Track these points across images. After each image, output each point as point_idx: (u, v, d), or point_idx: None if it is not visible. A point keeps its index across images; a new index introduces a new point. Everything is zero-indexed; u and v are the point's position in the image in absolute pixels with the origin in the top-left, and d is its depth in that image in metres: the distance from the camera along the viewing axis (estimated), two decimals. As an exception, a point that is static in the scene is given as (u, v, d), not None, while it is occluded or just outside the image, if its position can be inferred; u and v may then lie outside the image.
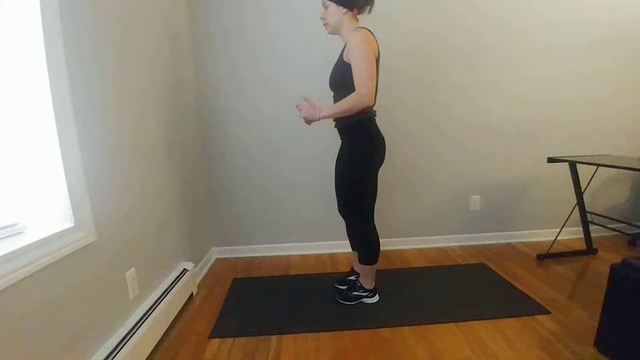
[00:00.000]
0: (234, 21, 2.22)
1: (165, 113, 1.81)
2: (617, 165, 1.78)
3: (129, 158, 1.44)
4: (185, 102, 2.11)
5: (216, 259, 2.51)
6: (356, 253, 1.85)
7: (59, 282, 1.03)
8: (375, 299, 1.84)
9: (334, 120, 1.69)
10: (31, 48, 0.99)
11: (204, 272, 2.27)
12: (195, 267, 2.05)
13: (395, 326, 1.61)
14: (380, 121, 1.67)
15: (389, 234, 2.55)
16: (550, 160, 2.15)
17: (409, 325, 1.61)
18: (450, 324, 1.61)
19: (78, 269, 1.11)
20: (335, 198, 1.85)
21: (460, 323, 1.62)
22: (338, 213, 1.85)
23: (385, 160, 1.69)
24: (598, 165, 1.88)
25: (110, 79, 1.32)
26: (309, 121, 1.61)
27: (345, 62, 1.55)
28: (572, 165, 2.23)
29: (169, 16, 1.89)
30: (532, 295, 1.83)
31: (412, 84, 2.36)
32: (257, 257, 2.52)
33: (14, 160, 1.04)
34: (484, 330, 1.56)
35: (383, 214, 2.51)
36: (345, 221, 1.84)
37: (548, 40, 2.36)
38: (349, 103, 1.50)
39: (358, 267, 1.86)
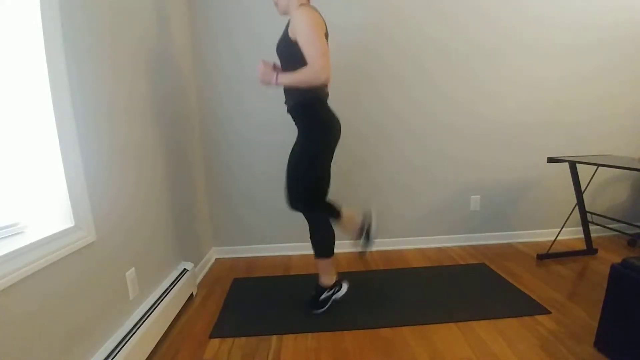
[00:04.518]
0: (235, 9, 2.21)
1: (164, 109, 1.81)
2: (617, 165, 1.78)
3: (128, 157, 1.44)
4: (184, 99, 2.10)
5: (216, 259, 2.51)
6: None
7: (59, 282, 1.03)
8: (344, 289, 1.79)
9: (285, 103, 1.65)
10: (31, 48, 0.99)
11: (204, 272, 2.27)
12: (195, 267, 2.05)
13: (395, 326, 1.61)
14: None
15: (388, 234, 2.54)
16: (550, 160, 2.15)
17: (409, 325, 1.61)
18: (450, 324, 1.61)
19: (78, 269, 1.11)
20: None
21: (460, 323, 1.62)
22: None
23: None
24: (598, 165, 1.87)
25: (105, 77, 1.32)
26: (267, 83, 1.57)
27: (290, 39, 1.49)
28: (572, 165, 2.23)
29: (164, 7, 1.86)
30: (532, 295, 1.83)
31: (411, 83, 2.36)
32: (257, 257, 2.52)
33: (14, 161, 1.04)
34: (484, 330, 1.56)
35: (383, 214, 2.51)
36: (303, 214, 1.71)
37: (548, 41, 2.37)
38: (305, 77, 1.45)
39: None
